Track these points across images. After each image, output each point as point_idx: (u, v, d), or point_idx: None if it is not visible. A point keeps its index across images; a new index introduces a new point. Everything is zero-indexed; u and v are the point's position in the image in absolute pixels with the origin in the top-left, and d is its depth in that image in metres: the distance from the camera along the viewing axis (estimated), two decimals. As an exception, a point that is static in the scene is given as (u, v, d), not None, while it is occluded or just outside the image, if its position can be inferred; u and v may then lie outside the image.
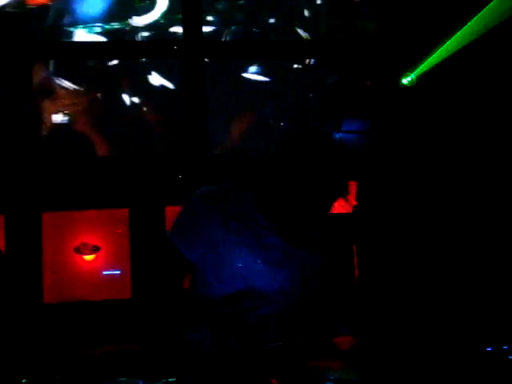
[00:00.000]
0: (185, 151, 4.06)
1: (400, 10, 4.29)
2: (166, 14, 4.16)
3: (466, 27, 3.43)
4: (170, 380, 2.14)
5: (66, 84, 3.98)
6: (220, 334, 1.95)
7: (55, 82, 3.97)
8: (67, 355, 2.62)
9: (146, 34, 4.13)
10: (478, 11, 3.38)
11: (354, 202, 3.92)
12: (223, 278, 1.98)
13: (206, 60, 4.11)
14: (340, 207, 3.90)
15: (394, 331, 1.71)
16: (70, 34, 4.00)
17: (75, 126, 3.97)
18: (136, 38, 4.11)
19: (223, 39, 4.24)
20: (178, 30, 4.13)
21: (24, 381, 1.93)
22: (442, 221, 3.97)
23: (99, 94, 4.00)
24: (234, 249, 1.99)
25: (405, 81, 3.66)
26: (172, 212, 3.70)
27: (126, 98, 4.06)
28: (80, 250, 3.96)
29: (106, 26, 4.04)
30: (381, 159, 3.90)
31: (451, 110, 4.10)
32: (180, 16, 4.12)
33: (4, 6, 3.90)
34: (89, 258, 3.97)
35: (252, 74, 4.24)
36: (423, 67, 3.66)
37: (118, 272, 4.02)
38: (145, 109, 4.09)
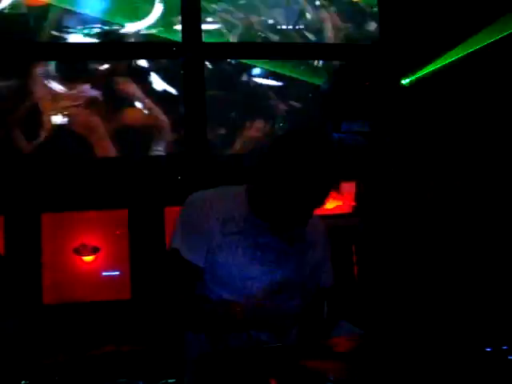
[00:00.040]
0: (184, 152, 4.07)
1: (400, 10, 4.30)
2: (166, 16, 4.16)
3: (470, 40, 3.44)
4: (169, 381, 2.14)
5: (66, 85, 3.97)
6: (219, 335, 1.95)
7: (55, 83, 3.96)
8: (67, 356, 2.62)
9: (145, 35, 4.12)
10: (480, 27, 3.40)
11: (353, 202, 3.92)
12: (221, 280, 1.98)
13: (205, 61, 4.12)
14: (340, 207, 3.91)
15: (393, 331, 1.71)
16: (69, 35, 4.00)
17: (74, 127, 3.96)
18: (135, 40, 4.11)
19: (223, 40, 4.23)
20: (178, 31, 4.13)
21: (23, 382, 1.92)
22: (441, 220, 3.97)
23: (99, 96, 4.00)
24: (230, 250, 1.99)
25: (404, 82, 3.66)
26: (171, 213, 3.70)
27: (125, 99, 4.06)
28: (79, 251, 3.96)
29: (106, 27, 4.04)
30: (380, 160, 3.90)
31: (451, 111, 4.11)
32: (179, 17, 4.12)
33: (3, 7, 3.90)
34: (88, 258, 3.97)
35: (252, 75, 4.24)
36: (423, 69, 3.66)
37: (118, 273, 4.01)
38: (144, 110, 4.09)
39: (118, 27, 4.06)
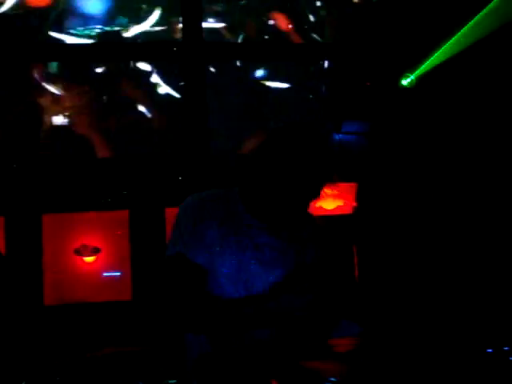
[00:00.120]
0: (185, 153, 4.07)
1: (400, 11, 4.30)
2: (166, 16, 4.17)
3: (464, 30, 3.43)
4: (170, 382, 2.13)
5: (67, 86, 3.98)
6: (220, 336, 1.94)
7: (55, 84, 3.97)
8: (67, 357, 2.62)
9: (146, 36, 4.13)
10: (476, 14, 3.39)
11: (354, 203, 3.92)
12: (222, 282, 1.98)
13: (206, 61, 4.12)
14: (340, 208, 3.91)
15: (394, 332, 1.71)
16: (70, 36, 4.00)
17: (75, 127, 3.96)
18: (136, 40, 4.12)
19: (223, 41, 4.24)
20: (178, 31, 4.13)
21: (24, 383, 1.92)
22: (442, 221, 3.97)
23: (99, 96, 4.00)
24: (229, 252, 1.99)
25: (404, 82, 3.66)
26: (172, 214, 3.70)
27: (126, 100, 4.06)
28: (80, 252, 3.96)
29: (106, 29, 4.05)
30: (380, 160, 3.90)
31: (450, 111, 4.10)
32: (180, 18, 4.13)
33: (5, 8, 3.91)
34: (89, 259, 3.97)
35: (252, 75, 4.24)
36: (423, 69, 3.66)
37: (118, 274, 4.01)
38: (145, 111, 4.09)
39: (118, 28, 4.07)
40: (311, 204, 2.01)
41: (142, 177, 3.99)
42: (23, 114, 3.89)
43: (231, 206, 2.05)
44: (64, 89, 3.96)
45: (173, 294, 1.96)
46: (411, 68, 3.89)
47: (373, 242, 4.23)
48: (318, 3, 4.37)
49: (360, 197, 3.96)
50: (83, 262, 3.97)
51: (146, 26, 4.12)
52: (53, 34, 3.98)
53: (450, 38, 3.58)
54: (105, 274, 4.00)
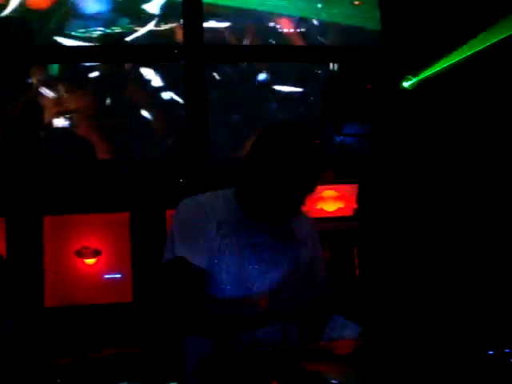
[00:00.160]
0: (186, 155, 4.07)
1: (402, 13, 4.31)
2: (167, 18, 4.17)
3: (470, 42, 3.43)
4: (171, 384, 2.13)
5: (67, 88, 3.98)
6: (221, 337, 1.94)
7: (56, 86, 3.97)
8: (68, 359, 2.62)
9: (147, 38, 4.13)
10: (481, 29, 3.40)
11: (355, 205, 3.92)
12: (221, 283, 1.98)
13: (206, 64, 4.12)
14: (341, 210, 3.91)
15: (395, 333, 1.70)
16: (71, 38, 4.01)
17: (76, 129, 3.97)
18: (137, 43, 4.12)
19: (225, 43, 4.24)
20: (179, 34, 4.14)
21: (25, 385, 1.92)
22: (443, 223, 3.97)
23: (100, 99, 4.00)
24: (227, 252, 1.99)
25: (405, 84, 3.66)
26: (173, 216, 3.70)
27: (127, 102, 4.06)
28: (81, 254, 3.96)
29: (107, 31, 4.05)
30: (381, 162, 3.90)
31: (452, 114, 4.10)
32: (181, 20, 4.13)
33: (5, 10, 3.91)
34: (90, 261, 3.97)
35: (253, 78, 4.25)
36: (426, 73, 3.66)
37: (119, 275, 4.01)
38: (145, 113, 4.09)
39: (119, 30, 4.07)
40: (307, 201, 2.02)
41: (142, 179, 3.99)
42: (24, 116, 3.89)
43: (228, 207, 2.06)
44: (65, 91, 3.97)
45: (175, 297, 1.96)
46: (413, 71, 3.89)
47: (374, 243, 4.23)
48: (319, 5, 4.37)
49: (361, 199, 3.95)
50: (84, 263, 3.97)
51: (146, 28, 4.13)
52: (54, 36, 3.98)
53: (452, 44, 3.58)
54: (106, 276, 4.00)
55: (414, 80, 3.66)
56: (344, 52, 4.31)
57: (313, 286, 2.04)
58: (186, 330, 1.99)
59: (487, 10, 3.62)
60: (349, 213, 3.88)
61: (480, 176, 3.98)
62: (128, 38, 4.10)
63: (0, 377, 2.04)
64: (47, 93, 3.95)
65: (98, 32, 4.02)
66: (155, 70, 4.11)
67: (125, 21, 4.09)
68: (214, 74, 4.16)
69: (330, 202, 3.85)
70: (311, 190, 2.02)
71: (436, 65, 3.54)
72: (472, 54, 3.47)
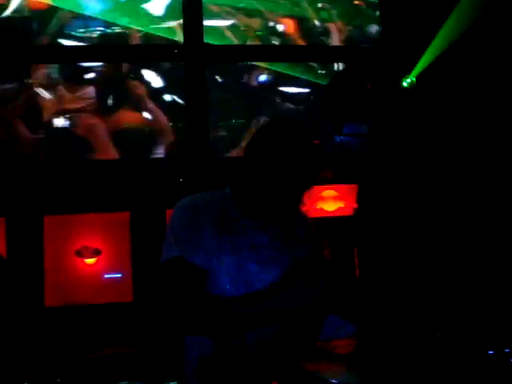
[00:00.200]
0: (186, 154, 4.07)
1: (401, 12, 4.30)
2: (167, 18, 4.17)
3: (449, 20, 3.42)
4: (170, 383, 2.14)
5: (68, 88, 3.98)
6: (221, 337, 1.94)
7: (57, 86, 3.97)
8: (68, 359, 2.62)
9: (147, 37, 4.13)
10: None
11: (355, 205, 3.92)
12: (221, 283, 1.98)
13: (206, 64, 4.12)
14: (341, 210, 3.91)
15: (394, 333, 1.71)
16: (71, 38, 4.01)
17: (76, 129, 3.97)
18: (137, 42, 4.12)
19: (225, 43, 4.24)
20: (179, 33, 4.14)
21: (25, 384, 1.92)
22: (442, 223, 3.96)
23: (101, 98, 4.00)
24: (226, 252, 1.99)
25: (405, 83, 3.66)
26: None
27: (127, 102, 4.06)
28: (81, 254, 3.96)
29: (108, 30, 4.05)
30: (381, 162, 3.90)
31: (452, 113, 4.10)
32: (181, 19, 4.13)
33: (6, 10, 3.92)
34: (90, 261, 3.97)
35: (253, 78, 4.24)
36: (419, 67, 3.65)
37: (120, 275, 4.01)
38: (146, 112, 4.09)
39: (119, 30, 4.07)
40: (305, 199, 2.03)
41: (143, 178, 3.99)
42: (24, 116, 3.89)
43: (225, 207, 2.06)
44: (65, 91, 3.97)
45: (174, 298, 1.96)
46: (412, 69, 3.89)
47: (373, 243, 4.23)
48: (320, 5, 4.37)
49: (361, 198, 3.95)
50: (84, 263, 3.97)
51: (147, 28, 4.13)
52: (54, 36, 3.98)
53: (437, 32, 3.58)
54: (106, 276, 4.00)
55: (413, 78, 3.65)
56: (344, 52, 4.31)
57: (312, 285, 2.04)
58: (185, 330, 1.99)
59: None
60: (349, 213, 3.88)
61: (481, 174, 3.98)
62: (128, 38, 4.10)
63: (1, 376, 2.05)
64: (47, 93, 3.95)
65: (97, 32, 4.02)
66: (155, 69, 4.11)
67: (125, 21, 4.09)
68: (214, 74, 4.16)
69: (330, 201, 3.85)
70: (308, 187, 2.03)
71: (426, 55, 3.53)
72: (473, 53, 3.47)
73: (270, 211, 2.03)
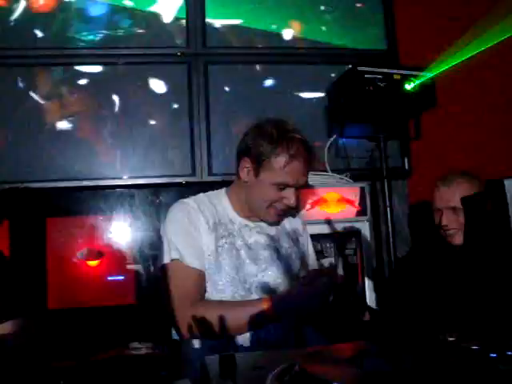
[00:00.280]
0: (186, 155, 4.07)
1: (404, 16, 4.31)
2: (170, 20, 4.18)
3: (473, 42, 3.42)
4: (173, 385, 2.13)
5: (69, 91, 3.99)
6: (223, 338, 1.95)
7: (58, 89, 3.98)
8: (71, 361, 2.62)
9: (148, 39, 4.14)
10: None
11: (358, 207, 3.92)
12: (220, 283, 1.98)
13: (209, 65, 4.13)
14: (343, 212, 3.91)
15: (398, 335, 1.71)
16: (73, 40, 4.02)
17: (78, 132, 3.98)
18: (139, 44, 4.13)
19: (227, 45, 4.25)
20: (182, 35, 4.14)
21: (28, 386, 1.93)
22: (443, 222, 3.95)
23: (101, 101, 4.01)
24: (224, 253, 2.00)
25: (408, 86, 3.66)
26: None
27: (128, 105, 4.07)
28: (84, 256, 3.97)
29: (109, 33, 4.06)
30: (384, 164, 3.90)
31: (454, 115, 4.10)
32: (184, 22, 4.14)
33: (8, 13, 3.93)
34: (93, 263, 3.97)
35: (255, 80, 4.25)
36: (427, 76, 3.64)
37: (122, 278, 4.02)
38: (146, 115, 4.10)
39: (121, 32, 4.08)
40: (302, 199, 2.04)
41: (143, 180, 4.00)
42: (27, 119, 3.90)
43: (221, 209, 2.07)
44: (67, 93, 3.98)
45: (174, 300, 1.96)
46: (416, 73, 3.88)
47: (377, 246, 4.23)
48: (322, 7, 4.38)
49: (363, 201, 3.95)
50: (87, 265, 3.97)
51: (149, 30, 4.14)
52: (56, 39, 3.99)
53: (459, 45, 3.57)
54: (109, 278, 4.01)
55: (417, 82, 3.65)
56: (347, 55, 4.32)
57: (309, 283, 2.06)
58: (186, 331, 2.00)
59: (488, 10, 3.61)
60: (351, 215, 3.88)
61: (484, 177, 3.97)
62: (130, 40, 4.11)
63: (3, 378, 2.05)
64: (50, 96, 3.96)
65: (100, 35, 4.03)
66: (157, 71, 4.12)
67: (127, 23, 4.10)
68: (217, 76, 4.17)
69: (333, 204, 3.85)
70: (302, 187, 2.04)
71: (437, 67, 3.53)
72: (475, 56, 3.46)
73: (266, 212, 2.03)
